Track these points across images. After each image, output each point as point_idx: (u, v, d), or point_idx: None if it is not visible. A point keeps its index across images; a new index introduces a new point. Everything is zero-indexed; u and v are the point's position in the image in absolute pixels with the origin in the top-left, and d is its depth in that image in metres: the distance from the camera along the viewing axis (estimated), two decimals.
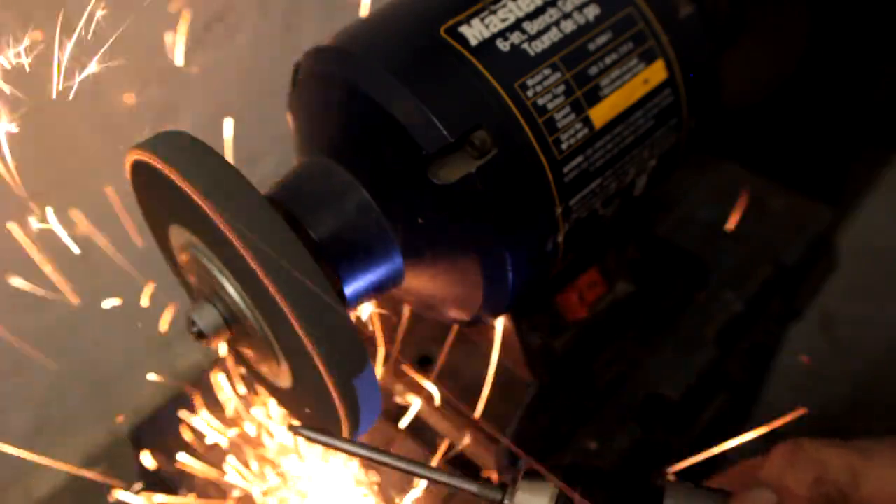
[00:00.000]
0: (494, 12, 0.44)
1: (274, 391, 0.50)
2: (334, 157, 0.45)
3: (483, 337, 0.58)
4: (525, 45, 0.44)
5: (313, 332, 0.36)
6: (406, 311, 0.59)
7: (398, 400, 0.61)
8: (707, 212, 0.71)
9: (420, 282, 0.48)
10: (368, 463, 0.56)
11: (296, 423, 0.45)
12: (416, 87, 0.41)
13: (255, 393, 0.60)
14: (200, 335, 0.43)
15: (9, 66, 0.53)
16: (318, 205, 0.44)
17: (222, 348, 0.58)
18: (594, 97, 0.45)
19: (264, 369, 0.46)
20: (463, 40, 0.43)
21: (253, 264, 0.36)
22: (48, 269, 0.62)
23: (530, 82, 0.43)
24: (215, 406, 0.60)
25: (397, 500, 0.56)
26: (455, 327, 0.59)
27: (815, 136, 0.84)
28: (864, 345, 0.98)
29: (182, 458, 0.58)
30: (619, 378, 0.61)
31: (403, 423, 0.59)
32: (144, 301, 0.60)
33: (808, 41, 0.72)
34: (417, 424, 0.61)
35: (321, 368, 0.37)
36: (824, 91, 0.81)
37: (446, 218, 0.43)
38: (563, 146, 0.44)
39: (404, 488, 0.56)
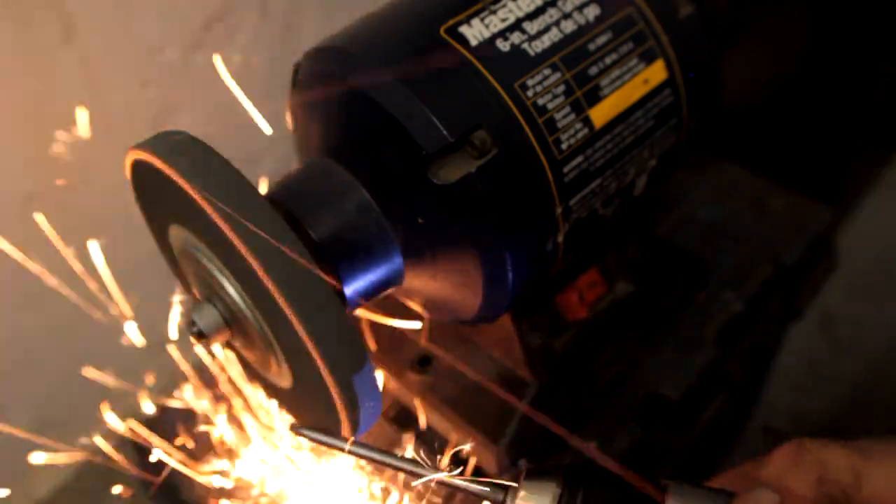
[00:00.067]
0: (494, 12, 0.44)
1: (274, 392, 0.50)
2: (334, 157, 0.45)
3: (483, 337, 0.58)
4: (525, 45, 0.44)
5: (313, 330, 0.36)
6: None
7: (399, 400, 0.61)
8: (707, 212, 0.71)
9: (420, 282, 0.48)
10: (369, 463, 0.56)
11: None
12: (416, 87, 0.41)
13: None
14: (200, 335, 0.43)
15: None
16: (318, 205, 0.44)
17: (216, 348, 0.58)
18: (594, 97, 0.45)
19: (264, 370, 0.46)
20: (463, 40, 0.43)
21: (253, 264, 0.36)
22: (49, 268, 0.62)
23: (530, 82, 0.43)
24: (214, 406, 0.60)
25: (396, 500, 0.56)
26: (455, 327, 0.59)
27: (815, 136, 0.84)
28: (864, 345, 0.98)
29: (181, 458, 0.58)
30: (619, 378, 0.61)
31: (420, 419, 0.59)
32: (145, 300, 0.60)
33: (808, 41, 0.72)
34: (417, 425, 0.61)
35: (321, 367, 0.37)
36: (824, 91, 0.81)
37: (446, 218, 0.43)
38: (563, 146, 0.44)
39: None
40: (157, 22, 0.69)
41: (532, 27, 0.45)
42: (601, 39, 0.46)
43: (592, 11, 0.46)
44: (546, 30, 0.45)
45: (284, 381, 0.44)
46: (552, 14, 0.45)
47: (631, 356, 0.62)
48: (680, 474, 0.40)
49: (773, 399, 0.89)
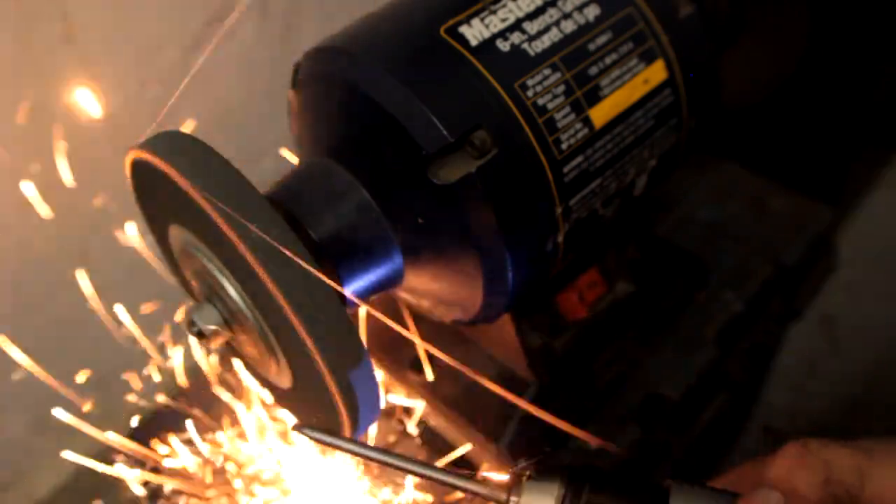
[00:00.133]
0: (494, 12, 0.44)
1: (274, 392, 0.50)
2: (334, 157, 0.45)
3: (483, 337, 0.58)
4: (525, 45, 0.44)
5: (312, 330, 0.36)
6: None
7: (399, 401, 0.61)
8: (707, 212, 0.71)
9: (420, 282, 0.48)
10: (369, 463, 0.56)
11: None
12: (416, 87, 0.41)
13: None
14: (200, 335, 0.43)
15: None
16: (318, 205, 0.44)
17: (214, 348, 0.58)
18: (594, 97, 0.45)
19: (264, 370, 0.46)
20: (463, 40, 0.43)
21: (253, 264, 0.36)
22: (49, 267, 0.62)
23: (530, 82, 0.43)
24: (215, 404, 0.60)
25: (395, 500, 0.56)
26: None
27: (815, 136, 0.84)
28: (864, 345, 0.98)
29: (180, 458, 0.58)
30: (619, 378, 0.61)
31: (410, 427, 0.59)
32: (145, 299, 0.60)
33: (808, 41, 0.72)
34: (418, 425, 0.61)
35: (320, 366, 0.37)
36: (824, 91, 0.81)
37: (446, 218, 0.43)
38: (563, 146, 0.44)
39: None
40: (157, 22, 0.69)
41: (532, 27, 0.45)
42: (601, 39, 0.46)
43: (592, 11, 0.46)
44: (546, 30, 0.45)
45: (284, 381, 0.44)
46: (552, 14, 0.45)
47: (631, 356, 0.62)
48: (680, 474, 0.40)
49: (773, 399, 0.89)
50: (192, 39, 0.71)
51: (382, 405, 0.43)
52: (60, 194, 0.66)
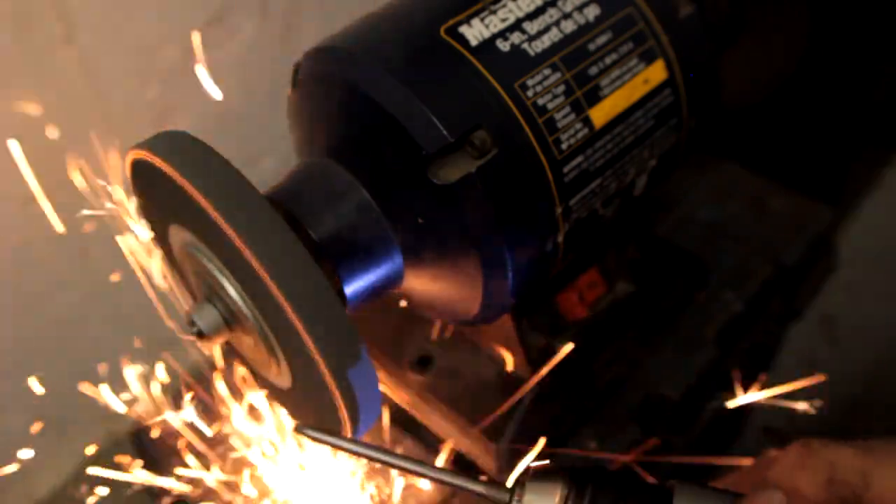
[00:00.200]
0: (494, 12, 0.44)
1: (274, 392, 0.50)
2: (334, 157, 0.45)
3: (483, 337, 0.58)
4: (525, 45, 0.44)
5: (312, 329, 0.36)
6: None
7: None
8: (707, 212, 0.71)
9: (420, 282, 0.48)
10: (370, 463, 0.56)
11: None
12: (416, 87, 0.41)
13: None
14: (200, 335, 0.43)
15: None
16: (318, 205, 0.44)
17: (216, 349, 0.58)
18: (594, 97, 0.45)
19: (264, 370, 0.46)
20: (463, 40, 0.43)
21: (253, 264, 0.36)
22: (49, 268, 0.62)
23: (530, 82, 0.43)
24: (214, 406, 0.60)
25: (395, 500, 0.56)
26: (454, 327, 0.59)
27: (815, 136, 0.84)
28: (864, 345, 0.98)
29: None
30: (619, 378, 0.61)
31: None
32: (145, 300, 0.60)
33: (808, 41, 0.72)
34: (417, 425, 0.61)
35: (320, 366, 0.37)
36: (824, 91, 0.81)
37: (446, 218, 0.43)
38: (563, 146, 0.44)
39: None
40: (157, 22, 0.69)
41: (532, 27, 0.45)
42: (601, 39, 0.46)
43: (592, 11, 0.46)
44: (546, 30, 0.45)
45: (284, 381, 0.44)
46: (552, 14, 0.45)
47: (631, 356, 0.62)
48: (680, 474, 0.40)
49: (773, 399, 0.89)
50: (192, 39, 0.71)
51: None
52: (60, 194, 0.66)
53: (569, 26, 0.45)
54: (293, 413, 0.49)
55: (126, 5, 0.66)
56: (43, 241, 0.62)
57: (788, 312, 0.74)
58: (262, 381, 0.50)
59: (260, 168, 0.67)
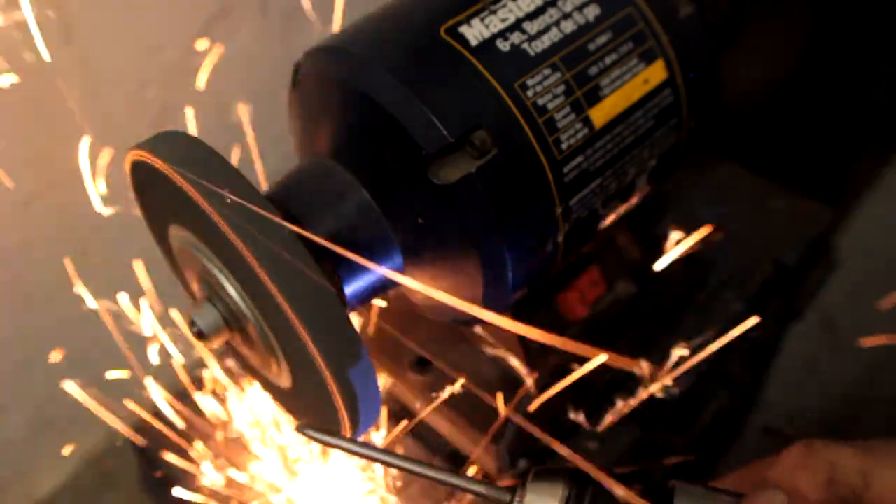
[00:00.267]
0: (494, 12, 0.44)
1: (274, 392, 0.50)
2: (334, 157, 0.45)
3: (483, 337, 0.58)
4: (525, 45, 0.44)
5: (312, 328, 0.36)
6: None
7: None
8: (707, 212, 0.71)
9: (420, 281, 0.48)
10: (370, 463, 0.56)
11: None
12: (416, 87, 0.41)
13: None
14: (200, 335, 0.43)
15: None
16: (318, 205, 0.44)
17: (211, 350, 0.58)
18: (594, 97, 0.45)
19: (264, 370, 0.46)
20: (463, 40, 0.43)
21: (253, 264, 0.36)
22: (49, 267, 0.62)
23: (530, 82, 0.43)
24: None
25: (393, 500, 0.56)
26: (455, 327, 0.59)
27: (815, 136, 0.84)
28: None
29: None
30: (619, 378, 0.61)
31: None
32: (145, 300, 0.60)
33: (808, 41, 0.72)
34: (417, 425, 0.60)
35: (320, 365, 0.37)
36: (824, 91, 0.81)
37: (446, 218, 0.43)
38: (563, 146, 0.44)
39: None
40: (157, 22, 0.69)
41: (532, 27, 0.45)
42: (601, 39, 0.46)
43: (592, 11, 0.46)
44: (546, 30, 0.45)
45: (284, 381, 0.44)
46: (552, 14, 0.45)
47: (631, 356, 0.62)
48: (680, 474, 0.40)
49: (773, 399, 0.89)
50: (193, 39, 0.71)
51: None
52: (61, 194, 0.66)
53: (569, 26, 0.45)
54: (293, 413, 0.49)
55: (126, 5, 0.66)
56: (43, 240, 0.62)
57: (788, 312, 0.74)
58: (262, 381, 0.50)
59: (260, 168, 0.67)
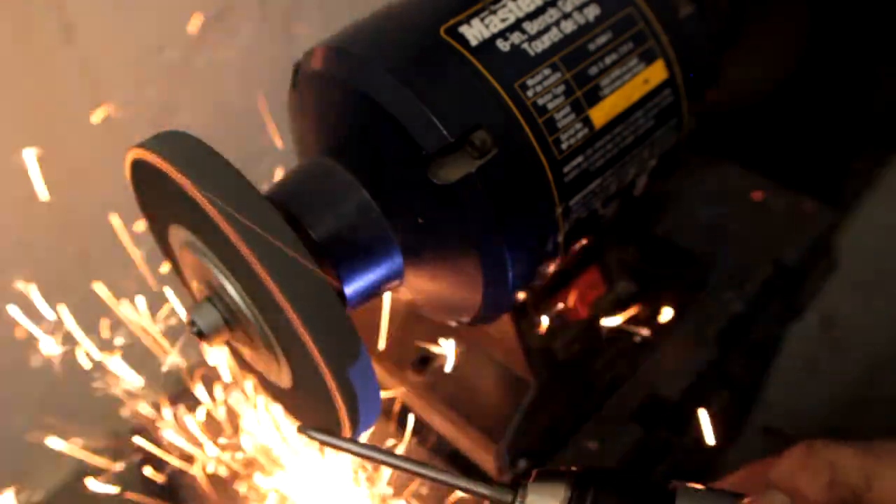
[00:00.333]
0: (494, 12, 0.44)
1: (275, 392, 0.50)
2: (334, 157, 0.45)
3: (483, 337, 0.58)
4: (525, 45, 0.44)
5: (311, 326, 0.36)
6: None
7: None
8: (707, 212, 0.71)
9: (420, 282, 0.48)
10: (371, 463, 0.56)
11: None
12: (416, 87, 0.41)
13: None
14: (200, 335, 0.43)
15: None
16: (318, 205, 0.44)
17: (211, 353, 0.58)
18: (594, 97, 0.45)
19: (265, 370, 0.46)
20: (463, 40, 0.43)
21: (253, 264, 0.36)
22: (49, 267, 0.62)
23: (530, 82, 0.43)
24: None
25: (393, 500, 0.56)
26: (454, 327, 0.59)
27: (815, 136, 0.84)
28: (864, 345, 0.98)
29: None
30: (619, 378, 0.61)
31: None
32: (144, 300, 0.60)
33: (808, 41, 0.72)
34: (418, 425, 0.60)
35: (320, 365, 0.37)
36: (824, 91, 0.81)
37: (446, 218, 0.43)
38: (563, 146, 0.44)
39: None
40: (157, 22, 0.69)
41: (532, 27, 0.45)
42: (601, 39, 0.46)
43: (592, 11, 0.46)
44: (546, 30, 0.45)
45: (284, 381, 0.44)
46: (552, 14, 0.45)
47: (631, 356, 0.62)
48: (680, 474, 0.40)
49: (773, 399, 0.89)
50: (193, 39, 0.71)
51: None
52: (61, 194, 0.66)
53: (569, 26, 0.45)
54: (294, 413, 0.49)
55: (126, 5, 0.66)
56: (43, 240, 0.62)
57: (788, 312, 0.74)
58: (262, 381, 0.50)
59: (260, 168, 0.67)
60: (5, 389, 0.70)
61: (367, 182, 0.44)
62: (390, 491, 0.56)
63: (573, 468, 0.39)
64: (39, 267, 0.64)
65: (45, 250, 0.61)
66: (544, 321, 0.56)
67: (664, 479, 0.39)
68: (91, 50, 0.65)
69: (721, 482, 0.47)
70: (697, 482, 0.38)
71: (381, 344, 0.59)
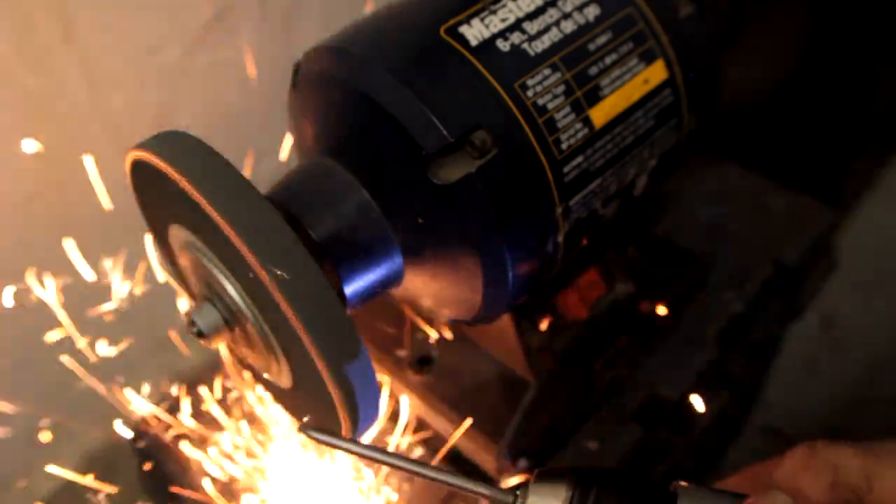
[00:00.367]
0: (494, 12, 0.44)
1: (275, 392, 0.50)
2: (334, 157, 0.45)
3: (483, 337, 0.58)
4: (525, 45, 0.44)
5: (310, 327, 0.36)
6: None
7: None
8: (707, 212, 0.71)
9: (420, 281, 0.48)
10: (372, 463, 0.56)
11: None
12: (416, 87, 0.41)
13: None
14: (200, 335, 0.43)
15: None
16: (318, 205, 0.44)
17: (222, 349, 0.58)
18: (594, 97, 0.45)
19: (264, 370, 0.46)
20: (463, 40, 0.43)
21: (253, 264, 0.36)
22: (49, 268, 0.62)
23: (530, 82, 0.43)
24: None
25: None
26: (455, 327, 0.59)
27: (815, 136, 0.84)
28: (864, 345, 0.98)
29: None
30: (619, 378, 0.61)
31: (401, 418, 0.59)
32: (145, 299, 0.60)
33: (808, 41, 0.72)
34: (417, 425, 0.61)
35: (318, 363, 0.37)
36: (824, 91, 0.81)
37: (446, 218, 0.43)
38: (563, 146, 0.44)
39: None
40: (157, 22, 0.69)
41: (532, 27, 0.45)
42: (601, 39, 0.46)
43: (592, 11, 0.46)
44: (546, 30, 0.45)
45: (284, 381, 0.44)
46: (552, 14, 0.45)
47: (631, 356, 0.62)
48: (680, 474, 0.40)
49: (773, 399, 0.89)
50: (192, 39, 0.71)
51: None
52: (60, 194, 0.66)
53: (569, 26, 0.45)
54: (294, 413, 0.49)
55: (126, 5, 0.66)
56: (43, 240, 0.62)
57: (788, 312, 0.74)
58: (262, 381, 0.50)
59: (260, 168, 0.67)
60: (5, 389, 0.70)
61: (367, 182, 0.44)
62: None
63: (574, 468, 0.39)
64: (40, 265, 0.64)
65: (46, 250, 0.61)
66: (544, 321, 0.56)
67: (664, 479, 0.39)
68: (91, 50, 0.65)
69: (722, 483, 0.47)
70: (698, 482, 0.38)
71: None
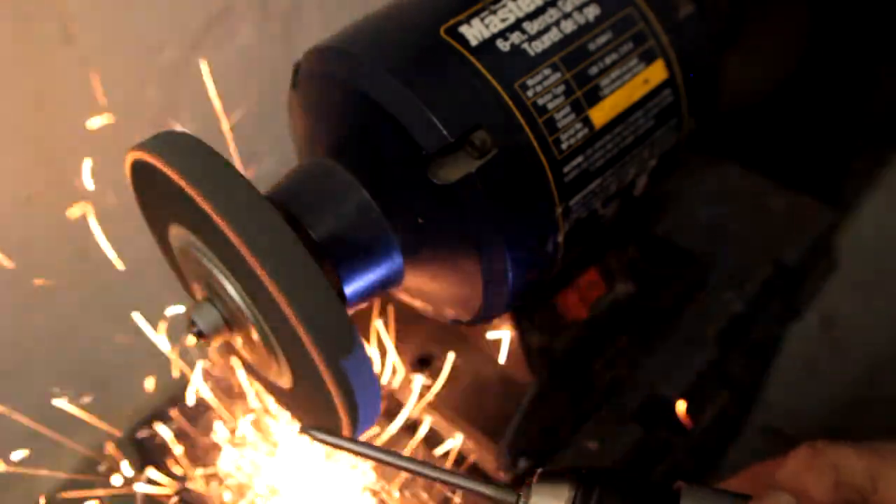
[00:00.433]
0: (494, 12, 0.44)
1: (275, 392, 0.50)
2: (334, 157, 0.45)
3: (483, 337, 0.58)
4: (525, 45, 0.44)
5: (310, 327, 0.36)
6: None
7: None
8: (707, 212, 0.71)
9: (420, 281, 0.48)
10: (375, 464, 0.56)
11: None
12: (416, 87, 0.41)
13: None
14: (200, 335, 0.43)
15: None
16: (318, 205, 0.44)
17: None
18: (594, 97, 0.45)
19: (264, 370, 0.46)
20: (463, 40, 0.43)
21: (253, 264, 0.36)
22: (49, 267, 0.62)
23: (530, 82, 0.43)
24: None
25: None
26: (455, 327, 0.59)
27: (815, 136, 0.84)
28: (864, 345, 0.98)
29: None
30: (619, 378, 0.61)
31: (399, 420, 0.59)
32: (145, 300, 0.60)
33: (808, 41, 0.72)
34: (416, 425, 0.61)
35: (318, 363, 0.37)
36: (824, 91, 0.81)
37: (446, 218, 0.43)
38: (563, 146, 0.44)
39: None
40: (157, 22, 0.69)
41: (532, 27, 0.45)
42: (601, 39, 0.46)
43: (592, 11, 0.46)
44: (546, 30, 0.45)
45: (285, 381, 0.44)
46: (552, 14, 0.45)
47: (631, 356, 0.62)
48: (680, 474, 0.40)
49: (773, 399, 0.89)
50: (192, 39, 0.71)
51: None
52: (60, 194, 0.66)
53: (569, 26, 0.45)
54: (294, 413, 0.49)
55: (126, 5, 0.66)
56: (43, 240, 0.62)
57: (788, 312, 0.74)
58: (262, 381, 0.50)
59: (260, 168, 0.67)
60: (5, 389, 0.70)
61: (367, 182, 0.44)
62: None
63: (576, 468, 0.39)
64: (40, 265, 0.64)
65: (46, 251, 0.61)
66: (544, 321, 0.56)
67: (664, 479, 0.39)
68: (91, 50, 0.65)
69: (725, 483, 0.47)
70: (698, 483, 0.38)
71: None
